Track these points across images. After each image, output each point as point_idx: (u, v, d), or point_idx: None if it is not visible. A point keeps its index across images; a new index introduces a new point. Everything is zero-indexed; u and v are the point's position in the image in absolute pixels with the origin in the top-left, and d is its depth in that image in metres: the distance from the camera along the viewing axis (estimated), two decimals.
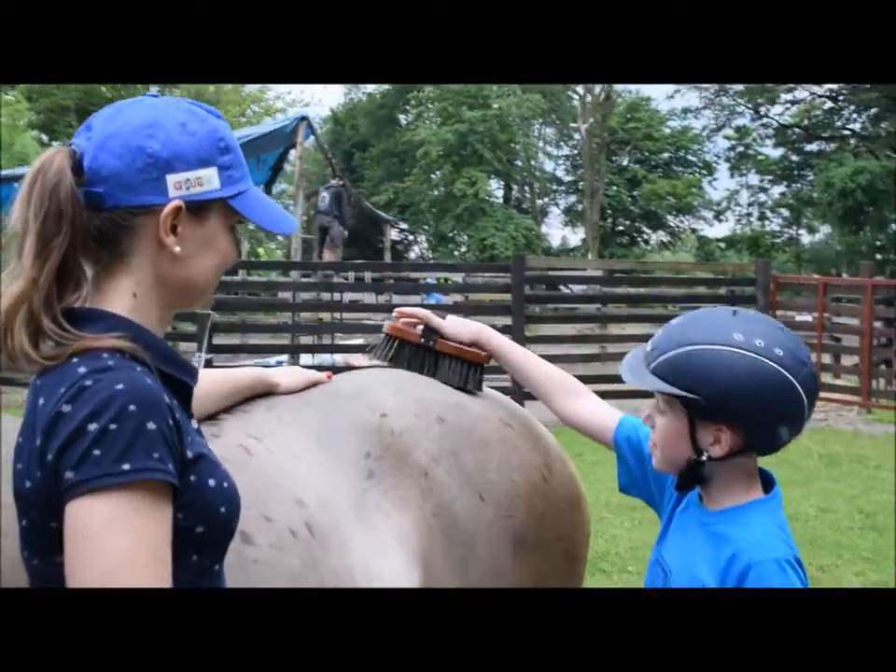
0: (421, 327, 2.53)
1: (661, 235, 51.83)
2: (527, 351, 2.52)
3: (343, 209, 20.72)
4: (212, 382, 2.20)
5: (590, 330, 20.34)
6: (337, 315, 20.77)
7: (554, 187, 52.77)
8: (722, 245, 48.43)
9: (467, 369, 2.51)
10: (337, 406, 2.31)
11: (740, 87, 40.44)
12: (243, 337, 20.75)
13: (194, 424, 1.70)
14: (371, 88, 50.60)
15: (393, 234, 53.36)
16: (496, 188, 49.96)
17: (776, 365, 1.92)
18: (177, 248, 1.61)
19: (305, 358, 18.62)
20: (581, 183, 44.54)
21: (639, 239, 51.34)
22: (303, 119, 18.05)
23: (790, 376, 1.92)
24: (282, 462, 2.14)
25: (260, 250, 45.89)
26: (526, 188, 52.70)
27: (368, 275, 20.68)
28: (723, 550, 1.95)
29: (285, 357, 18.98)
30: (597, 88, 38.43)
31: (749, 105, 45.61)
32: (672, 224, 51.02)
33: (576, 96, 42.88)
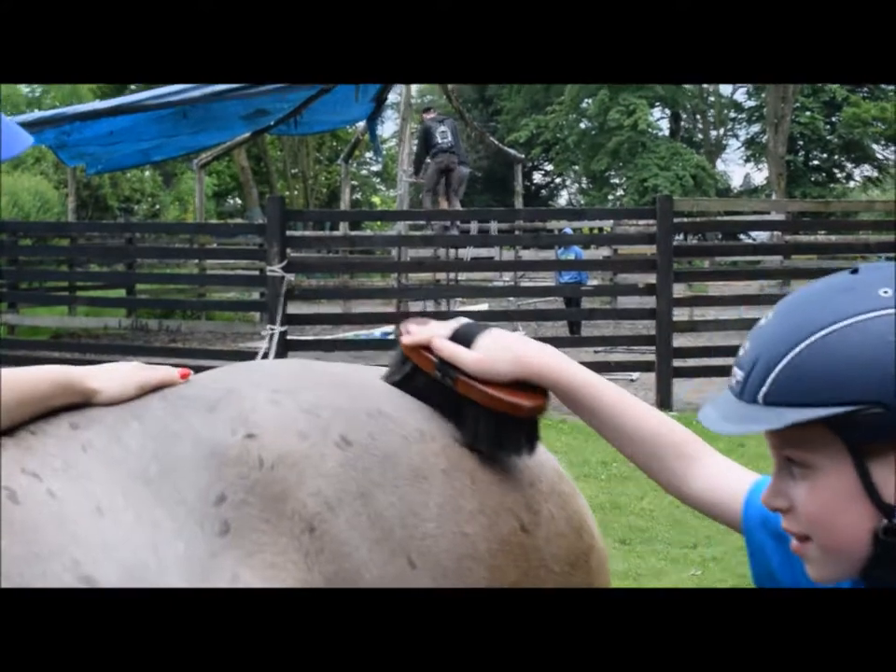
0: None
1: (866, 170, 50.13)
2: (621, 392, 1.90)
3: (459, 144, 20.32)
4: None
5: (771, 288, 19.58)
6: (454, 275, 20.36)
7: (733, 114, 51.44)
8: None
9: (502, 423, 1.92)
10: (182, 422, 1.81)
11: None
12: (345, 305, 20.58)
13: None
14: None
15: (537, 177, 53.00)
16: (659, 117, 48.97)
17: None
18: None
19: None
20: (766, 109, 43.18)
21: (839, 175, 49.72)
22: None
23: None
24: (70, 514, 1.66)
25: (376, 199, 45.80)
26: (698, 116, 51.50)
27: (494, 226, 20.21)
28: None
29: (391, 328, 18.72)
30: None
31: None
32: (881, 156, 49.20)
33: None
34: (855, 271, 1.48)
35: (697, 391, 14.30)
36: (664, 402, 12.86)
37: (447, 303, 19.89)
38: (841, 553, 1.47)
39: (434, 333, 1.94)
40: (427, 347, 1.93)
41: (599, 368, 14.94)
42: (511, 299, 18.90)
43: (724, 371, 13.83)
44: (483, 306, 19.64)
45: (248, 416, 1.82)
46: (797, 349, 1.43)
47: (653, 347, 13.32)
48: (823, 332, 1.42)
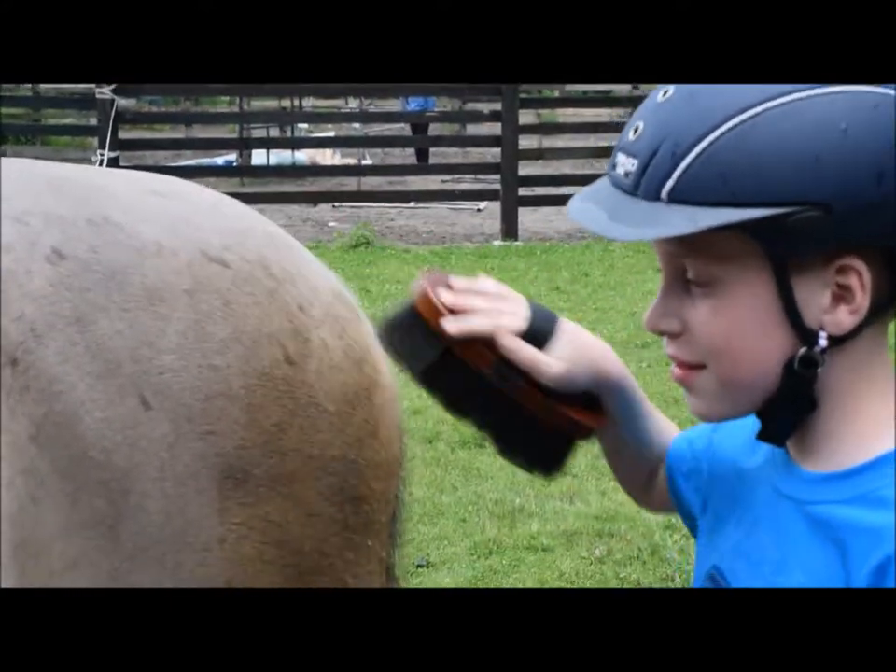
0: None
1: None
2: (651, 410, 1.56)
3: None
4: None
5: (621, 118, 19.42)
6: (298, 100, 19.79)
7: None
8: None
9: (547, 436, 1.50)
10: None
11: None
12: (187, 131, 19.89)
13: None
14: None
15: None
16: None
17: None
18: None
19: (259, 156, 17.81)
20: None
21: None
22: None
23: None
24: None
25: None
26: None
27: None
28: (863, 549, 1.17)
29: (233, 156, 18.15)
30: None
31: None
32: None
33: None
34: None
35: (545, 220, 14.14)
36: (509, 232, 12.69)
37: (291, 129, 19.34)
38: (743, 386, 1.23)
39: (499, 325, 1.41)
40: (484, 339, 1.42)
41: (446, 197, 14.76)
42: (357, 125, 18.41)
43: None
44: (328, 133, 19.13)
45: None
46: (715, 133, 1.16)
47: (499, 176, 13.06)
48: (749, 113, 1.16)
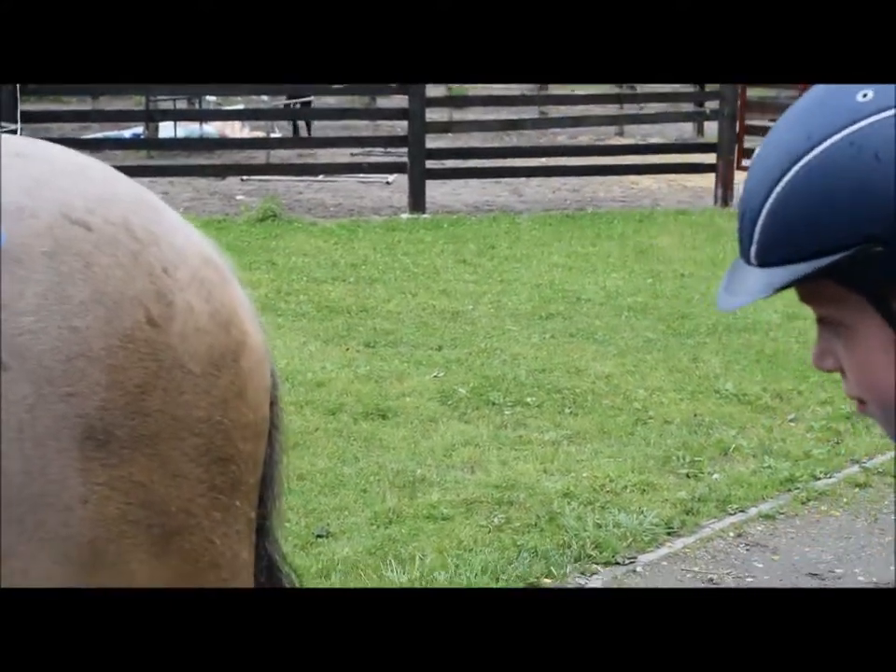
0: None
1: None
2: None
3: None
4: None
5: (531, 91, 19.48)
6: None
7: None
8: None
9: None
10: None
11: None
12: (94, 103, 19.60)
13: None
14: None
15: None
16: None
17: None
18: None
19: (166, 129, 17.60)
20: None
21: None
22: None
23: None
24: None
25: None
26: None
27: None
28: None
29: (140, 129, 17.93)
30: None
31: None
32: None
33: None
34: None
35: (452, 193, 14.16)
36: (416, 205, 12.67)
37: (199, 102, 19.13)
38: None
39: None
40: None
41: (354, 170, 14.70)
42: (266, 98, 18.27)
43: (480, 173, 13.82)
44: (237, 105, 18.97)
45: None
46: (774, 192, 1.20)
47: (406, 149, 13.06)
48: (797, 167, 1.18)
